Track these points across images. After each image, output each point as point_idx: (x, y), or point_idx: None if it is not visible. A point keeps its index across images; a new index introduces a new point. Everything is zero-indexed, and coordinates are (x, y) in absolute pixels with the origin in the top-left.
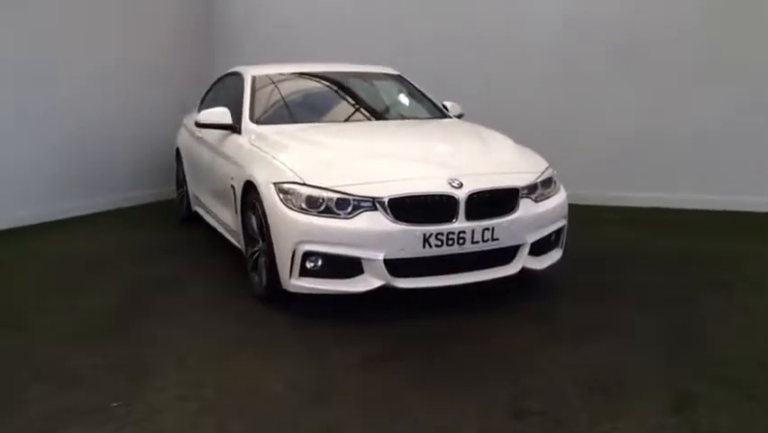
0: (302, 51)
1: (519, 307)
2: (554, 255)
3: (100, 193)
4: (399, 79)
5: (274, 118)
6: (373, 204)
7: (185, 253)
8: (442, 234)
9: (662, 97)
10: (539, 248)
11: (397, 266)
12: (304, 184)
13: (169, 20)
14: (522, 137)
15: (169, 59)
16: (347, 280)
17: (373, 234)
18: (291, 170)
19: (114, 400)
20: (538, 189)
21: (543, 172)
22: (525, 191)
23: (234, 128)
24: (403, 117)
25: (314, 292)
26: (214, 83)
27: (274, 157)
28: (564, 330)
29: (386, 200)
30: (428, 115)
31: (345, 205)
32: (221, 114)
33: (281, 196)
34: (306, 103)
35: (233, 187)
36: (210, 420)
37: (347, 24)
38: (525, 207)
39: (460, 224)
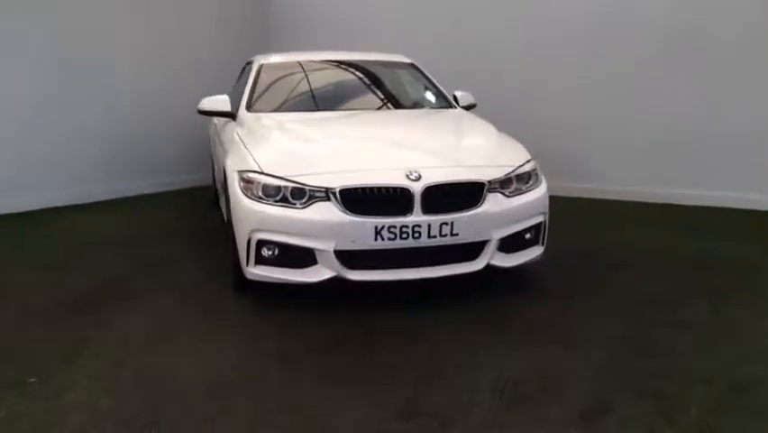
0: (351, 40)
1: (476, 306)
2: (531, 253)
3: (143, 177)
4: (411, 68)
5: (270, 106)
6: (326, 194)
7: (194, 238)
8: (395, 228)
9: (708, 90)
10: (511, 245)
11: (350, 258)
12: (262, 173)
13: (215, 7)
14: (552, 131)
15: (215, 47)
16: (301, 270)
17: (324, 225)
18: (254, 159)
19: (34, 376)
20: (513, 184)
21: (519, 166)
22: (497, 185)
23: (233, 115)
24: (402, 107)
25: (269, 280)
26: (240, 72)
27: (246, 145)
28: (511, 332)
29: (337, 191)
30: (431, 105)
31: (301, 195)
32: (220, 101)
33: (242, 184)
34: (305, 91)
35: (224, 174)
36: (107, 402)
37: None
38: (493, 202)
39: (415, 217)
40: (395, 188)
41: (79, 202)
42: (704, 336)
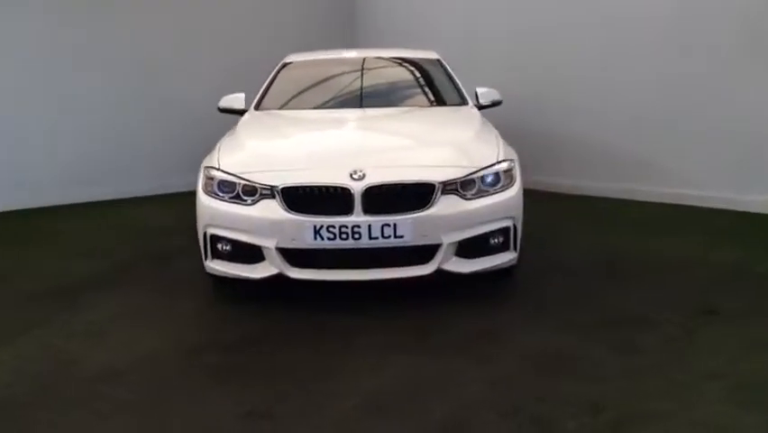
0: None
1: (419, 311)
2: (497, 259)
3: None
4: (437, 64)
5: (277, 104)
6: (272, 192)
7: None
8: (334, 227)
9: None
10: (472, 250)
11: (295, 256)
12: (219, 169)
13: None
14: (623, 130)
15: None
16: (249, 266)
17: (266, 222)
18: (218, 157)
19: None
20: (475, 185)
21: (484, 168)
22: (454, 186)
23: (243, 113)
24: (408, 105)
25: (223, 275)
26: None
27: (221, 143)
28: (426, 342)
29: (279, 189)
30: (443, 103)
31: (253, 192)
32: (235, 99)
33: (204, 180)
34: (315, 89)
35: None
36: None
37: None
38: (446, 205)
39: (356, 217)
40: (335, 188)
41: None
42: (643, 363)
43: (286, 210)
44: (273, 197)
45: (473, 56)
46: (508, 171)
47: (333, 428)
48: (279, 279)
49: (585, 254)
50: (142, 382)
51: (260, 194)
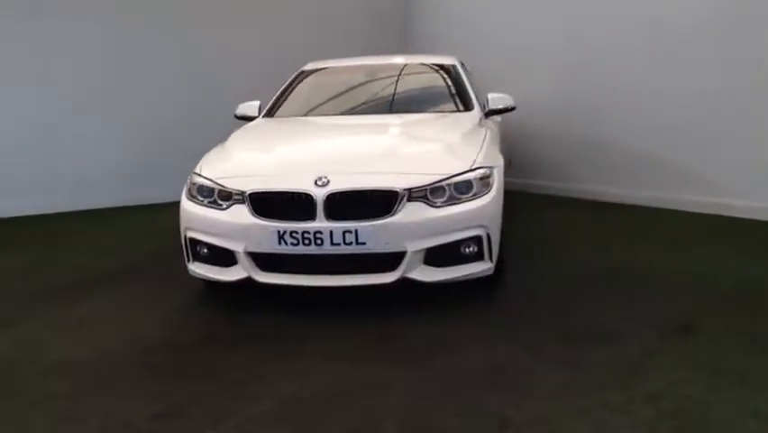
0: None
1: (377, 319)
2: (469, 269)
3: None
4: (450, 70)
5: (285, 111)
6: (242, 197)
7: None
8: (296, 233)
9: None
10: (441, 259)
11: (264, 260)
12: (200, 175)
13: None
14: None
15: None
16: (224, 269)
17: (234, 227)
18: (202, 162)
19: None
20: (445, 193)
21: (455, 175)
22: (422, 194)
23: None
24: (408, 111)
25: (202, 277)
26: None
27: (213, 149)
28: (369, 351)
29: (247, 194)
30: (444, 109)
31: (228, 197)
32: (250, 107)
33: (188, 185)
34: (323, 96)
35: None
36: None
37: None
38: (411, 212)
39: (318, 223)
40: (299, 194)
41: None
42: (583, 381)
43: (253, 215)
44: (243, 202)
45: (521, 65)
46: (484, 179)
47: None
48: (249, 282)
49: (587, 266)
50: (86, 377)
51: (233, 199)
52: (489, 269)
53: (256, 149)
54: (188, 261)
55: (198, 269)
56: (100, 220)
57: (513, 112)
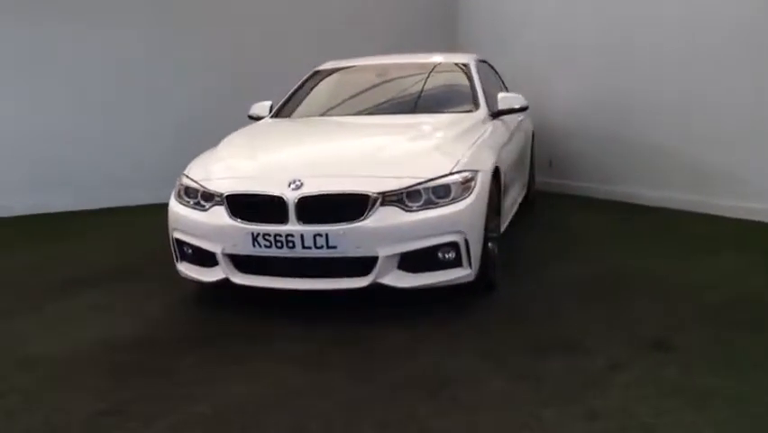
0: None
1: (349, 322)
2: (446, 275)
3: None
4: (463, 69)
5: (290, 111)
6: (221, 199)
7: None
8: (269, 235)
9: None
10: (415, 264)
11: (242, 262)
12: (187, 177)
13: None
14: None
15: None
16: (206, 270)
17: (212, 228)
18: (192, 162)
19: None
20: (421, 197)
21: (432, 179)
22: (396, 198)
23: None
24: (410, 111)
25: (188, 277)
26: None
27: (205, 152)
28: (327, 355)
29: (225, 196)
30: (449, 109)
31: (210, 198)
32: (261, 107)
33: (177, 186)
34: (330, 97)
35: None
36: None
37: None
38: (383, 216)
39: (290, 226)
40: (272, 197)
41: None
42: (524, 395)
43: (230, 217)
44: (222, 203)
45: (561, 63)
46: (465, 183)
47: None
48: (227, 283)
49: (586, 273)
50: (50, 372)
51: (214, 201)
52: (468, 275)
53: (243, 151)
54: (176, 260)
55: (184, 268)
56: (120, 218)
57: (554, 111)
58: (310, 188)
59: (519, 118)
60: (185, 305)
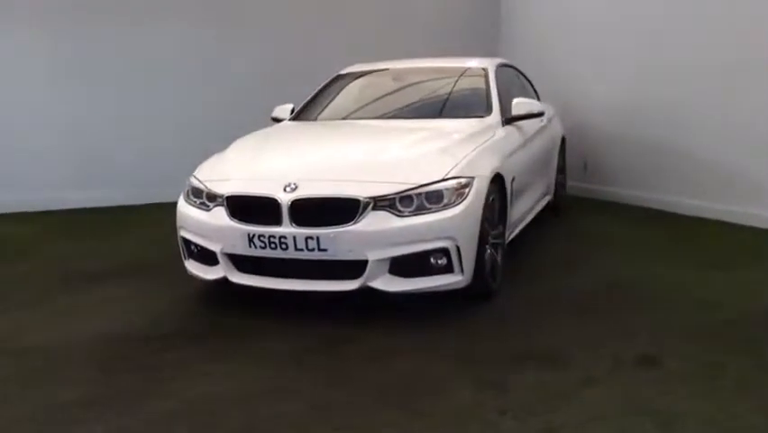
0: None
1: (337, 322)
2: (435, 281)
3: None
4: (481, 74)
5: (310, 114)
6: (223, 200)
7: None
8: (264, 237)
9: None
10: (406, 269)
11: (241, 261)
12: (195, 177)
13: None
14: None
15: None
16: (208, 268)
17: (213, 228)
18: (202, 164)
19: None
20: (413, 202)
21: (423, 185)
22: (388, 202)
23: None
24: (419, 116)
25: (193, 275)
26: None
27: (216, 153)
28: (302, 354)
29: (225, 197)
30: (459, 114)
31: (213, 199)
32: (283, 110)
33: (186, 186)
34: (349, 100)
35: None
36: None
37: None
38: (374, 221)
39: (283, 228)
40: (267, 199)
41: None
42: (489, 404)
43: (229, 217)
44: (223, 204)
45: (597, 66)
46: (459, 189)
47: (131, 429)
48: (226, 282)
49: (589, 282)
50: (41, 363)
51: (217, 201)
52: (460, 282)
53: (249, 153)
54: (184, 258)
55: (191, 266)
56: (163, 214)
57: (589, 115)
58: (303, 192)
59: (541, 123)
60: (189, 301)
